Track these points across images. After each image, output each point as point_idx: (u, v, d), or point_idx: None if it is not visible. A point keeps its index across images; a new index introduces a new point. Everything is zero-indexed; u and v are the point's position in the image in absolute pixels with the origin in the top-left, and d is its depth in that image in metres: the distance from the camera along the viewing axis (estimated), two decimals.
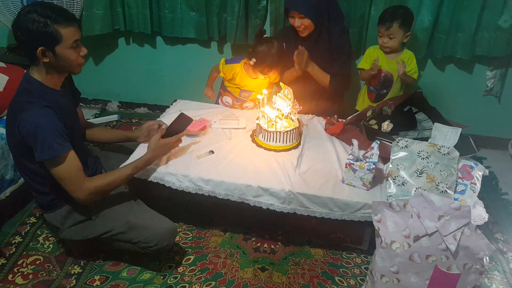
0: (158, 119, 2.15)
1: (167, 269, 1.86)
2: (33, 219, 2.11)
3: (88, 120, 2.13)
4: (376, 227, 1.62)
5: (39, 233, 2.03)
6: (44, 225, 2.07)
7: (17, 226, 2.06)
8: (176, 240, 1.92)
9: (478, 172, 1.78)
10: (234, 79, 2.29)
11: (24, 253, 1.92)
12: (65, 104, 1.65)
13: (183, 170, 1.83)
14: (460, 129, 1.86)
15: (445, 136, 1.86)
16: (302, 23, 2.21)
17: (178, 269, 1.86)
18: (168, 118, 2.15)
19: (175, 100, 2.48)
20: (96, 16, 2.76)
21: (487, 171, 1.81)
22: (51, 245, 1.96)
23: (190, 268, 1.86)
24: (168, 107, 2.44)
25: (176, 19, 2.77)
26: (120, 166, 1.77)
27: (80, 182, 1.58)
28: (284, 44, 2.19)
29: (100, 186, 1.62)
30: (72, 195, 1.59)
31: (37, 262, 1.87)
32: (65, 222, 1.74)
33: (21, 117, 1.48)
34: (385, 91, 2.40)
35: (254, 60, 2.16)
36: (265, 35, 2.24)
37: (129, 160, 1.84)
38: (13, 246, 1.94)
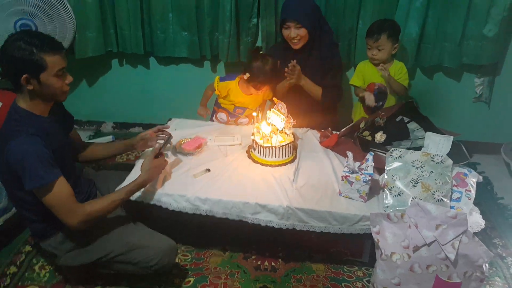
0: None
1: None
2: (28, 248, 2.07)
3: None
4: (376, 239, 1.63)
5: (35, 261, 2.00)
6: (39, 253, 2.03)
7: (12, 256, 2.02)
8: (175, 261, 1.90)
9: (472, 179, 1.80)
10: (229, 96, 2.31)
11: (20, 283, 1.88)
12: (54, 130, 1.64)
13: (179, 190, 1.83)
14: (452, 137, 1.88)
15: (438, 144, 1.89)
16: (298, 34, 2.25)
17: None
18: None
19: (170, 119, 2.49)
20: (89, 39, 2.78)
21: (481, 177, 1.83)
22: (47, 274, 1.93)
23: None
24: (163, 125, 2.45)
25: (168, 39, 2.81)
26: (116, 189, 1.76)
27: (72, 208, 1.55)
28: (279, 62, 2.23)
29: (93, 212, 1.59)
30: (64, 222, 1.57)
31: None
32: (62, 249, 1.72)
33: (8, 147, 1.48)
34: (380, 103, 2.43)
35: (248, 74, 2.19)
36: (261, 52, 2.28)
37: (125, 182, 1.84)
38: (8, 277, 1.90)
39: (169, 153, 2.09)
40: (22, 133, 1.49)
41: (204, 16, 2.69)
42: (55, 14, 2.56)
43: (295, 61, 2.26)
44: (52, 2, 2.52)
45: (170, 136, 2.01)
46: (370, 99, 2.34)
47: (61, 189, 1.53)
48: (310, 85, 2.37)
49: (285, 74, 2.28)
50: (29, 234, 2.14)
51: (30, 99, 1.57)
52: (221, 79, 2.33)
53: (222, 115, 2.42)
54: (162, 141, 1.99)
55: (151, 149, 1.97)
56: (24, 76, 1.49)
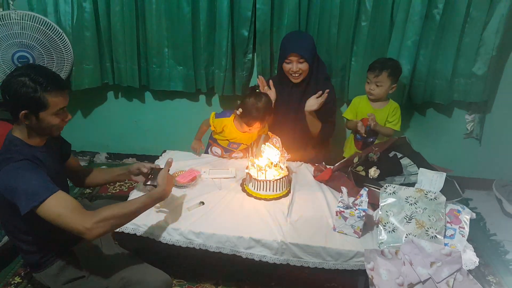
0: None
1: None
2: (18, 279, 2.04)
3: None
4: (370, 276, 1.62)
5: None
6: (29, 285, 2.00)
7: (1, 287, 1.99)
8: None
9: (466, 216, 1.81)
10: (224, 132, 2.33)
11: None
12: (48, 159, 1.61)
13: (173, 223, 1.81)
14: (445, 174, 1.90)
15: (431, 181, 1.90)
16: (300, 68, 2.30)
17: None
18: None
19: (164, 151, 2.50)
20: (85, 71, 2.82)
21: (474, 214, 1.83)
22: None
23: None
24: (157, 157, 2.45)
25: (164, 73, 2.85)
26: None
27: (82, 216, 1.44)
28: (274, 98, 2.27)
29: (108, 216, 1.48)
30: (78, 234, 1.44)
31: None
32: (57, 280, 1.67)
33: None
34: (371, 139, 2.47)
35: (240, 110, 2.21)
36: (258, 90, 2.32)
37: None
38: None
39: None
40: (12, 160, 1.47)
41: (200, 51, 2.75)
42: (53, 47, 2.60)
43: (328, 90, 2.32)
44: (50, 36, 2.57)
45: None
46: (362, 128, 2.37)
47: (64, 200, 1.45)
48: (314, 118, 2.40)
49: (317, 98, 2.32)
50: (20, 264, 2.10)
51: (28, 132, 1.56)
52: (217, 116, 2.35)
53: (216, 149, 2.43)
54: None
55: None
56: (23, 112, 1.48)
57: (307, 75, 2.36)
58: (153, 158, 2.45)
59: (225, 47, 2.65)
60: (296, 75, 2.33)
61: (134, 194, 1.97)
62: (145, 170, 1.91)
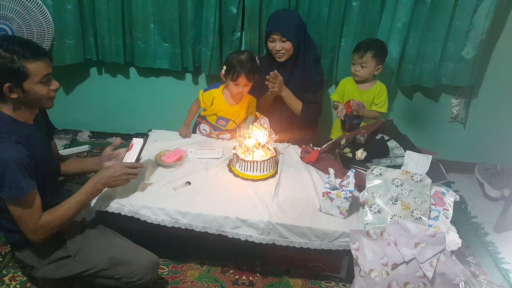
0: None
1: None
2: None
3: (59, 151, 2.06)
4: (355, 256, 1.63)
5: (5, 272, 1.93)
6: (10, 264, 1.96)
7: None
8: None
9: (450, 198, 1.83)
10: (213, 105, 2.29)
11: None
12: (38, 139, 1.58)
13: (159, 203, 1.79)
14: (431, 157, 1.92)
15: (417, 163, 1.92)
16: (283, 47, 2.27)
17: None
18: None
19: (150, 130, 2.45)
20: (67, 46, 2.72)
21: (458, 196, 1.86)
22: (17, 286, 1.86)
23: None
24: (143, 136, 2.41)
25: (149, 50, 2.78)
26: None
27: (37, 218, 1.51)
28: (257, 59, 2.22)
29: (55, 218, 1.55)
30: (24, 232, 1.53)
31: None
32: (41, 261, 1.65)
33: None
34: (357, 121, 2.47)
35: (224, 67, 2.18)
36: None
37: None
38: None
39: (149, 165, 2.05)
40: (4, 140, 1.43)
41: (187, 28, 2.68)
42: (33, 19, 2.49)
43: (276, 70, 2.28)
44: (29, 7, 2.45)
45: (144, 142, 1.86)
46: (342, 112, 2.37)
47: (35, 201, 1.49)
48: (291, 98, 2.39)
49: (266, 82, 2.29)
50: (1, 243, 2.07)
51: (14, 107, 1.51)
52: (205, 90, 2.32)
53: (205, 127, 2.39)
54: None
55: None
56: (7, 85, 1.43)
57: (292, 54, 2.33)
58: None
59: (213, 24, 2.59)
60: (279, 54, 2.31)
61: None
62: (110, 151, 1.86)
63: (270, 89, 2.33)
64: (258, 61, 2.21)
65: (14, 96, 1.47)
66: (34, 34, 2.52)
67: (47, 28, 2.55)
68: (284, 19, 2.30)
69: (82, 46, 2.77)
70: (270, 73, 2.27)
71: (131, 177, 1.72)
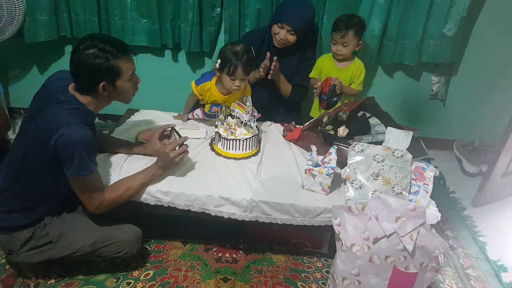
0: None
1: (125, 286, 1.78)
2: None
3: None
4: (336, 231, 1.65)
5: None
6: None
7: None
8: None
9: (430, 173, 1.86)
10: (207, 96, 2.19)
11: None
12: (94, 126, 1.65)
13: None
14: (411, 133, 1.93)
15: (398, 139, 1.93)
16: (287, 37, 2.25)
17: (137, 285, 1.79)
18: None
19: (137, 110, 2.40)
20: (40, 22, 2.61)
21: (437, 171, 1.89)
22: None
23: (150, 284, 1.80)
24: (121, 116, 2.37)
25: (126, 27, 2.69)
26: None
27: (99, 196, 1.60)
28: (253, 49, 2.08)
29: (115, 198, 1.64)
30: (86, 207, 1.62)
31: None
32: (22, 246, 1.63)
33: (61, 130, 1.44)
34: (335, 99, 2.45)
35: (219, 61, 2.01)
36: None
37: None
38: None
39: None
40: (76, 122, 1.48)
41: (166, 3, 2.60)
42: None
43: (276, 58, 2.23)
44: None
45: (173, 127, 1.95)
46: (318, 90, 2.33)
47: (98, 179, 1.60)
48: (283, 81, 2.39)
49: (261, 66, 2.25)
50: None
51: (97, 101, 1.59)
52: (197, 82, 2.17)
53: (198, 112, 2.33)
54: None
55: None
56: (103, 83, 1.52)
57: (291, 45, 2.31)
58: (117, 118, 2.36)
59: None
60: (281, 42, 2.28)
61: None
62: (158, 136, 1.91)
63: (260, 74, 2.29)
64: (254, 53, 2.06)
65: (105, 94, 1.56)
66: (4, 9, 2.41)
67: (18, 3, 2.44)
68: (300, 13, 2.25)
69: (55, 23, 2.65)
70: (269, 60, 2.23)
71: (183, 155, 1.77)
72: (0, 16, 2.41)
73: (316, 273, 1.94)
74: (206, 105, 2.26)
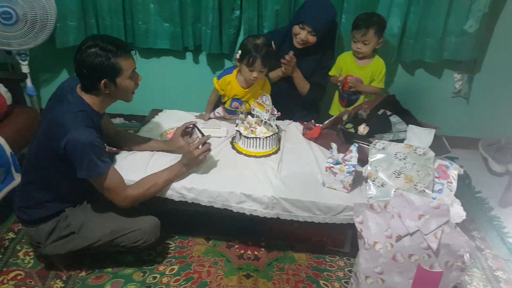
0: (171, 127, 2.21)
1: (151, 280, 1.83)
2: (11, 234, 2.05)
3: None
4: (359, 229, 1.64)
5: (19, 248, 1.98)
6: (23, 240, 2.02)
7: None
8: (158, 250, 1.96)
9: (454, 171, 1.83)
10: (228, 90, 2.24)
11: (5, 269, 1.86)
12: (101, 128, 1.73)
13: None
14: (434, 130, 1.91)
15: (420, 137, 1.91)
16: (308, 38, 2.27)
17: (163, 279, 1.83)
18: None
19: (161, 110, 2.46)
20: (69, 28, 2.71)
21: (462, 170, 1.86)
22: (31, 260, 1.91)
23: (175, 278, 1.84)
24: (145, 116, 2.43)
25: (150, 31, 2.76)
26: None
27: (122, 192, 1.66)
28: (273, 43, 2.15)
29: (140, 193, 1.70)
30: (113, 202, 1.68)
31: (19, 278, 1.82)
32: (48, 238, 1.72)
33: (69, 134, 1.51)
34: (355, 96, 2.46)
35: (239, 52, 2.09)
36: None
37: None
38: None
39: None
40: (82, 126, 1.54)
41: (187, 7, 2.66)
42: (36, 2, 2.49)
43: (292, 52, 2.27)
44: None
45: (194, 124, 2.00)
46: (340, 84, 2.38)
47: (114, 176, 1.64)
48: (301, 79, 2.40)
49: (282, 63, 2.30)
50: (13, 220, 2.13)
51: (101, 99, 1.65)
52: (219, 77, 2.25)
53: (219, 109, 2.36)
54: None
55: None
56: (104, 81, 1.57)
57: (311, 45, 2.33)
58: (141, 118, 2.42)
59: (212, 2, 2.56)
60: (301, 42, 2.30)
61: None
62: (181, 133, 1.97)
63: (283, 71, 2.34)
64: (274, 47, 2.15)
65: (107, 91, 1.61)
66: (37, 16, 2.52)
67: (49, 10, 2.54)
68: (322, 14, 2.27)
69: (84, 28, 2.75)
70: (286, 56, 2.27)
71: (206, 153, 1.82)
72: (33, 23, 2.52)
73: (339, 272, 1.93)
74: (226, 101, 2.30)
